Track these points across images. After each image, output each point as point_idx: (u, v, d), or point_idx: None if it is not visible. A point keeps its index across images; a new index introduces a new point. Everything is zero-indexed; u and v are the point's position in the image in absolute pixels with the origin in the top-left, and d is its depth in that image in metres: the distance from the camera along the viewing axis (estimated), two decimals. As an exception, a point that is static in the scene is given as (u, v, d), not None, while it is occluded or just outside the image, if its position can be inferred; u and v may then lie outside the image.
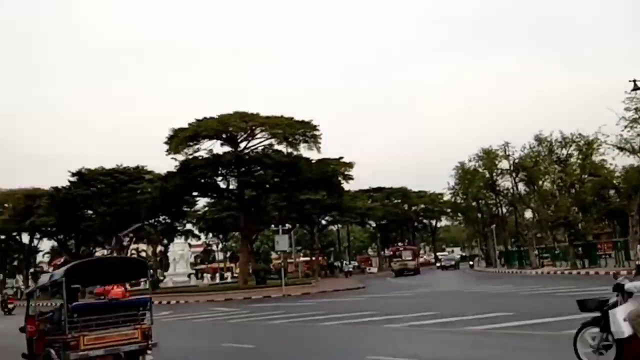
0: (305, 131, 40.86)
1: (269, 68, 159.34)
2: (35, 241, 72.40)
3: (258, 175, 39.40)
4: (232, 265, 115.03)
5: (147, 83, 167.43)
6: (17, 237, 70.76)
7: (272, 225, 69.20)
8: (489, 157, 50.67)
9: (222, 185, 42.93)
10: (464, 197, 63.55)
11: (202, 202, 61.08)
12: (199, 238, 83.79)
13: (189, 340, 14.29)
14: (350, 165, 41.58)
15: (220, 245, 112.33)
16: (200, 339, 14.18)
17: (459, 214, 76.82)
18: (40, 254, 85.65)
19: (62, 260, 27.30)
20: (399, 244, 71.19)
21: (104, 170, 50.47)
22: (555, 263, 41.96)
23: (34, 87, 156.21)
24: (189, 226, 72.81)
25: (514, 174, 46.26)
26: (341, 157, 42.11)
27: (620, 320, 6.33)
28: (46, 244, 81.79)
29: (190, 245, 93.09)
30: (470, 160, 53.71)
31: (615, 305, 6.53)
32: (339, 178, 42.01)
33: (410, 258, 55.14)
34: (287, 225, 63.72)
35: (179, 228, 69.57)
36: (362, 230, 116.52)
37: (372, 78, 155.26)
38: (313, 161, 40.84)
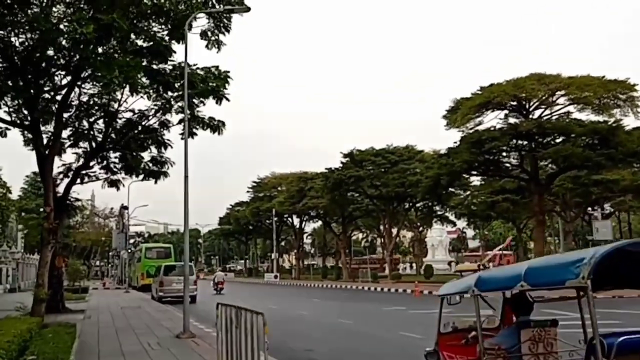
0: (617, 93, 33.29)
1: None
2: (303, 223, 75.21)
3: (559, 149, 32.88)
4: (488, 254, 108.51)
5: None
6: (289, 219, 73.97)
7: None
8: None
9: (512, 161, 37.26)
10: None
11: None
12: (454, 224, 78.44)
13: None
14: (679, 134, 32.55)
15: (473, 233, 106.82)
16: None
17: None
18: (305, 235, 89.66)
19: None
20: None
21: (374, 150, 48.54)
22: None
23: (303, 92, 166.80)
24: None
25: None
26: (659, 126, 33.29)
27: None
28: (309, 227, 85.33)
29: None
30: None
31: None
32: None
33: None
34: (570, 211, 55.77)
35: (439, 212, 65.48)
36: (636, 220, 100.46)
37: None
38: (629, 129, 32.97)
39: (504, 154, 37.20)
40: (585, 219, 64.96)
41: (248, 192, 78.24)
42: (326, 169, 49.93)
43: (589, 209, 62.03)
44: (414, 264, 77.43)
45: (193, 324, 15.73)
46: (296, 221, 73.90)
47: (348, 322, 17.25)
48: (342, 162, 48.97)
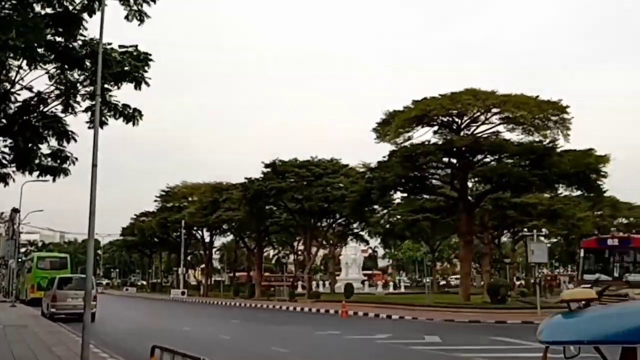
0: (549, 114, 33.01)
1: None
2: (213, 236, 71.54)
3: (495, 167, 32.08)
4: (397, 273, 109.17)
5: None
6: (199, 232, 70.13)
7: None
8: None
9: (439, 179, 36.30)
10: None
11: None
12: (367, 243, 77.70)
13: None
14: (605, 159, 32.53)
15: (383, 252, 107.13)
16: None
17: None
18: (213, 249, 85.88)
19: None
20: None
21: (298, 162, 46.25)
22: None
23: (204, 98, 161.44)
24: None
25: None
26: (590, 149, 33.21)
27: None
28: (218, 241, 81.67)
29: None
30: None
31: None
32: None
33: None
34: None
35: (355, 230, 64.19)
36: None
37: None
38: (560, 151, 32.72)
39: (433, 170, 36.21)
40: (495, 242, 66.10)
41: (156, 201, 73.56)
42: (246, 178, 47.13)
43: (496, 232, 63.26)
44: (326, 282, 76.18)
45: (93, 350, 12.59)
46: (206, 234, 70.27)
47: (283, 352, 14.63)
48: (263, 173, 46.35)
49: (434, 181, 37.88)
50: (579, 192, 38.79)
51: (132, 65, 17.28)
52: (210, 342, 16.96)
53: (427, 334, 18.37)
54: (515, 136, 34.96)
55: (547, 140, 31.68)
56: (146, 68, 17.38)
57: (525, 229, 55.01)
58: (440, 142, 32.85)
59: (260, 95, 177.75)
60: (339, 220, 53.82)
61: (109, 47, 16.75)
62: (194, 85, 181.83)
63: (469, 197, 35.55)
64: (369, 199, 35.85)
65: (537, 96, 32.26)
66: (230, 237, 75.61)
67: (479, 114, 33.29)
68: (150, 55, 17.55)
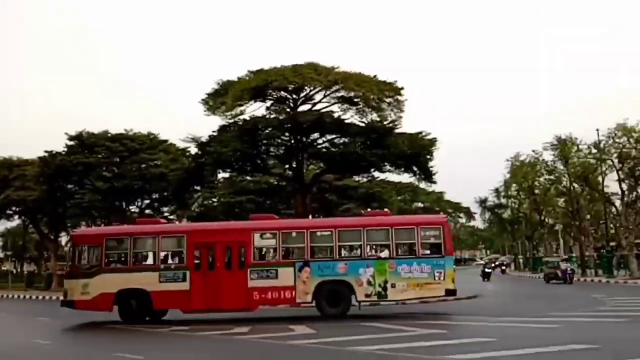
0: (383, 96, 32.69)
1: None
2: (-1, 221, 61.81)
3: (333, 145, 31.01)
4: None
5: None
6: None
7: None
8: (564, 147, 44.73)
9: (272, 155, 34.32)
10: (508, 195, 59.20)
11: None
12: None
13: None
14: (433, 143, 33.17)
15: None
16: None
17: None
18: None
19: None
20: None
21: (110, 135, 40.85)
22: None
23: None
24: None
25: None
26: (421, 132, 33.62)
27: None
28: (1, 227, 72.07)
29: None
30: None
31: None
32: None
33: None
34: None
35: (166, 214, 59.97)
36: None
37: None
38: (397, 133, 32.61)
39: (266, 147, 34.00)
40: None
41: None
42: (46, 152, 40.48)
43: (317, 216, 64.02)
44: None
45: None
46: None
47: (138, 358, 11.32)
48: (67, 146, 40.17)
49: (269, 160, 35.78)
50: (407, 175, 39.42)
51: None
52: (26, 351, 12.89)
53: (290, 324, 16.26)
54: (349, 116, 34.18)
55: (388, 121, 31.33)
56: None
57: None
58: (282, 117, 30.80)
59: (70, 70, 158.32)
60: (154, 203, 49.38)
61: None
62: None
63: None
64: (199, 177, 32.65)
65: (375, 75, 31.72)
66: (17, 222, 66.40)
67: (319, 89, 31.78)
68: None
